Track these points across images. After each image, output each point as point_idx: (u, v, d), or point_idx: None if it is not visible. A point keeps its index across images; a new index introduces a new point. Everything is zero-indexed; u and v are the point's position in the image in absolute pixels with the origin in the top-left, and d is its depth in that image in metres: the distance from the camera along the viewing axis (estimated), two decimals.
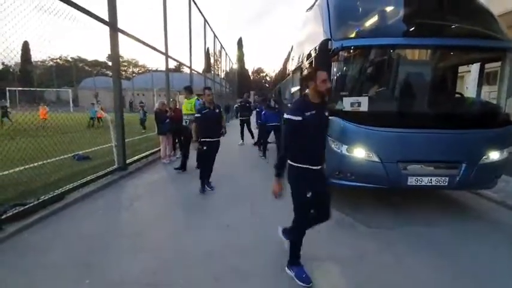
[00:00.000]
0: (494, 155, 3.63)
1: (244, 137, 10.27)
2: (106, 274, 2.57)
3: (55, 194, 4.00)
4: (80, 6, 4.35)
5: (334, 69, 3.74)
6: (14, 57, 3.67)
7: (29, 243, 3.05)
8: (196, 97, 6.45)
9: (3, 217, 3.20)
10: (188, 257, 2.85)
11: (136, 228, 3.49)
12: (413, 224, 3.66)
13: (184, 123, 6.44)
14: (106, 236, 3.28)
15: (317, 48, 3.73)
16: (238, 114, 10.63)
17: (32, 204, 3.58)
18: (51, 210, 3.74)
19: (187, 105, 6.39)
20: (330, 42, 3.61)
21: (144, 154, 7.23)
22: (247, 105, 10.36)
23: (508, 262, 2.88)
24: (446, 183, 3.62)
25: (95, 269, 2.64)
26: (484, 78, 5.67)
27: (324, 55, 3.59)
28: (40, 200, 3.71)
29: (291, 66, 7.73)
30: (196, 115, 4.54)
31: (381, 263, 2.82)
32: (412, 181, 3.61)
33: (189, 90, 6.58)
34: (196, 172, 5.05)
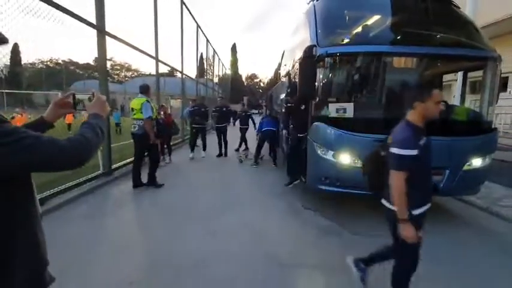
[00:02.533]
0: (477, 162, 3.68)
1: (199, 148, 8.67)
2: (84, 284, 2.48)
3: None
4: (66, 8, 4.31)
5: (320, 76, 3.76)
6: (2, 59, 3.59)
7: None
8: (146, 98, 5.11)
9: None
10: (171, 265, 2.76)
11: (118, 236, 3.39)
12: None
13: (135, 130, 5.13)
14: (86, 244, 3.18)
15: (302, 54, 3.74)
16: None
17: None
18: None
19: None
20: (314, 48, 3.63)
21: (131, 159, 7.09)
22: (224, 110, 8.83)
23: (496, 269, 2.88)
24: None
25: (72, 279, 2.52)
26: (470, 87, 5.80)
27: (308, 61, 3.60)
28: None
29: (283, 71, 7.77)
30: (405, 153, 1.88)
31: (369, 271, 2.77)
32: None
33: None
34: (183, 177, 4.95)
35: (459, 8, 4.29)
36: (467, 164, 3.64)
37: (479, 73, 4.04)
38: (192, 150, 8.31)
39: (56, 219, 3.77)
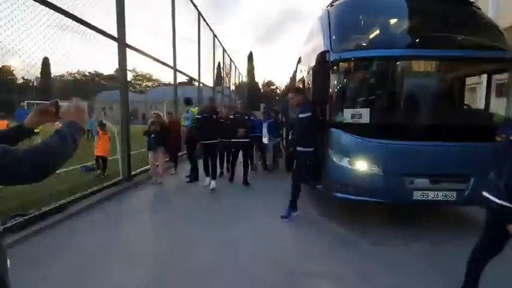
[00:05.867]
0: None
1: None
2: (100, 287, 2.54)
3: (57, 204, 4.05)
4: (89, 23, 4.55)
5: (335, 82, 3.71)
6: (35, 73, 3.87)
7: (27, 255, 3.05)
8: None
9: (2, 228, 3.23)
10: (185, 271, 2.77)
11: (134, 242, 3.46)
12: (420, 241, 3.45)
13: None
14: (104, 249, 3.26)
15: (315, 59, 3.72)
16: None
17: (32, 215, 3.62)
18: (52, 221, 3.77)
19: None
20: (328, 54, 3.60)
21: (149, 166, 7.27)
22: (236, 118, 6.09)
23: None
24: (454, 198, 3.45)
25: (89, 282, 2.61)
26: (497, 90, 5.48)
27: (322, 66, 3.57)
28: (41, 211, 3.76)
29: (298, 77, 7.74)
30: None
31: (385, 284, 2.65)
32: (417, 196, 3.46)
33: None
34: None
35: (480, 9, 4.12)
36: None
37: (504, 76, 3.83)
38: (207, 174, 5.99)
39: (75, 224, 3.90)
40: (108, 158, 6.96)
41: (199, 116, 5.78)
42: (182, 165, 7.67)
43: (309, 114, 3.93)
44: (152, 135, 6.02)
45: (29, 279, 2.60)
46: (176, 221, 4.20)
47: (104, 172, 6.69)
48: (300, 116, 3.97)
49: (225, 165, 6.99)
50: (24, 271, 2.73)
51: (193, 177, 6.38)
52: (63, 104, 1.15)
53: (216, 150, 6.14)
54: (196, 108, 6.69)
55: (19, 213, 3.58)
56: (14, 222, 3.38)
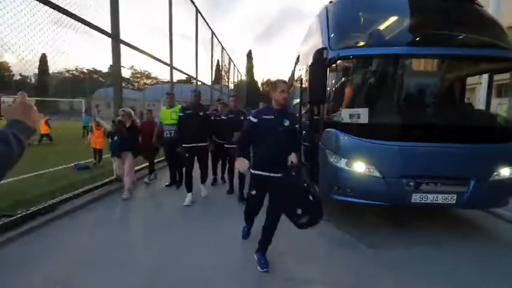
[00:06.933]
0: (506, 171, 3.37)
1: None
2: None
3: (47, 204, 3.94)
4: (82, 18, 4.43)
5: (333, 81, 3.61)
6: (30, 69, 3.78)
7: (14, 256, 2.96)
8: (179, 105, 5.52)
9: None
10: (176, 277, 2.67)
11: (124, 245, 3.34)
12: (419, 244, 3.39)
13: (166, 135, 5.39)
14: (93, 251, 3.16)
15: (313, 57, 3.61)
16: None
17: (20, 215, 3.51)
18: (41, 222, 3.66)
19: (171, 115, 5.35)
20: (325, 51, 3.50)
21: (143, 165, 7.16)
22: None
23: None
24: (454, 201, 3.36)
25: (83, 285, 2.54)
26: (496, 91, 5.41)
27: (319, 64, 3.47)
28: (29, 211, 3.65)
29: (296, 76, 7.64)
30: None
31: (384, 287, 2.58)
32: (416, 198, 3.37)
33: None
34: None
35: (482, 6, 4.02)
36: (495, 173, 3.34)
37: (504, 76, 3.74)
38: (189, 189, 4.76)
39: (65, 225, 3.79)
40: (103, 157, 6.84)
41: (181, 114, 4.71)
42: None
43: (297, 125, 2.99)
44: (116, 137, 4.89)
45: (21, 279, 2.54)
46: (170, 222, 4.09)
47: (99, 162, 7.57)
48: (296, 125, 2.92)
49: (219, 171, 6.12)
50: (14, 271, 2.65)
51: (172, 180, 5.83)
52: (8, 99, 1.01)
53: (204, 155, 4.90)
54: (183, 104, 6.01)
55: (5, 214, 3.47)
56: (0, 223, 3.28)
